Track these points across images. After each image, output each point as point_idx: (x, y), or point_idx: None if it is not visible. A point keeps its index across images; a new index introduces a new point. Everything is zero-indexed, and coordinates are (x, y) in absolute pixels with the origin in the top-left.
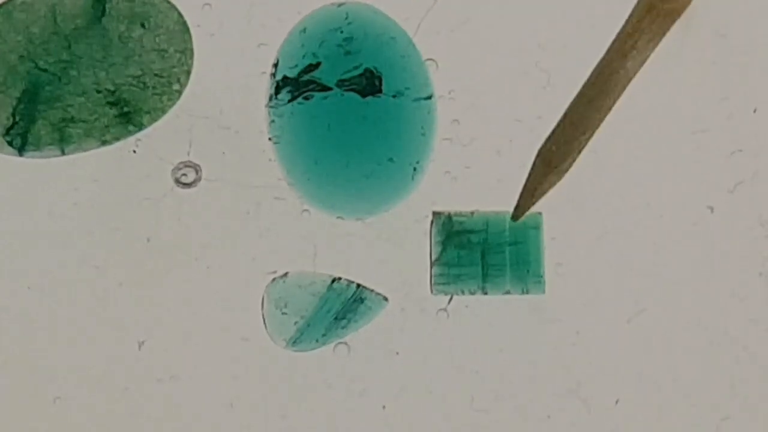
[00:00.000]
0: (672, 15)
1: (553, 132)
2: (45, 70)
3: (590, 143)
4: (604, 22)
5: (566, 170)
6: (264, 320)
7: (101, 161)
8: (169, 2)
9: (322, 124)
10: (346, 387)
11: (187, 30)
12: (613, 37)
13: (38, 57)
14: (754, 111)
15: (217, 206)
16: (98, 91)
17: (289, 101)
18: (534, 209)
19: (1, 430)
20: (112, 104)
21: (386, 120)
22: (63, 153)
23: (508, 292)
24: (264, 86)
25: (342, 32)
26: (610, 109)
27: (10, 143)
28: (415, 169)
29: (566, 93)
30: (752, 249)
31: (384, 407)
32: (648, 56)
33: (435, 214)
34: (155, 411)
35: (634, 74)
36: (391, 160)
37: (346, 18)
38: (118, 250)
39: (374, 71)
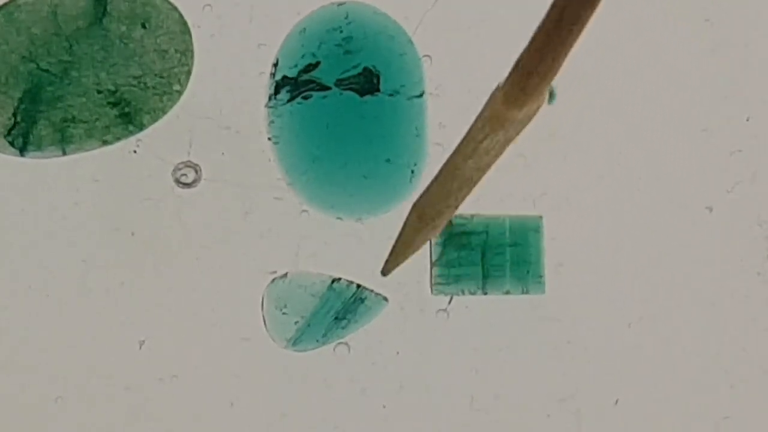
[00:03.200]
0: (518, 124)
1: (428, 188)
2: (46, 71)
3: (590, 143)
4: (604, 22)
5: (441, 226)
6: (264, 320)
7: (102, 161)
8: (169, 3)
9: (321, 124)
10: (346, 387)
11: (187, 30)
12: (612, 38)
13: (39, 57)
14: (747, 120)
15: (217, 206)
16: (99, 92)
17: (289, 101)
18: (534, 210)
19: (2, 429)
20: (112, 104)
21: (383, 119)
22: (64, 153)
23: (508, 293)
24: (264, 86)
25: (341, 32)
26: (477, 180)
27: (11, 144)
28: (412, 171)
29: (567, 93)
30: (751, 249)
31: (384, 407)
32: (498, 154)
33: None
34: (155, 410)
35: (495, 159)
36: (388, 161)
37: (346, 17)
38: (119, 250)
39: (372, 70)
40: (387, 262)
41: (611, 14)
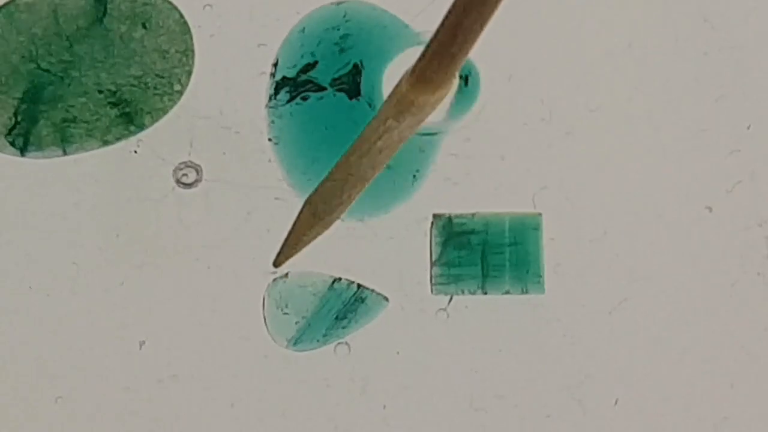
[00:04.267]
0: (421, 112)
1: (322, 184)
2: (47, 71)
3: (589, 143)
4: (604, 22)
5: (333, 222)
6: (265, 320)
7: (102, 161)
8: (170, 3)
9: (319, 124)
10: (347, 387)
11: (187, 30)
12: (611, 38)
13: (40, 57)
14: (747, 119)
15: (218, 206)
16: (100, 92)
17: (288, 101)
18: (534, 210)
19: (3, 430)
20: (113, 104)
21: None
22: (64, 153)
23: (507, 293)
24: (264, 86)
25: (339, 30)
26: (371, 177)
27: (12, 143)
28: (414, 176)
29: (567, 93)
30: (751, 249)
31: (384, 407)
32: (402, 140)
33: (435, 216)
34: (155, 411)
35: (388, 158)
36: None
37: (344, 16)
38: (119, 250)
39: (359, 65)
40: (278, 254)
41: (611, 14)
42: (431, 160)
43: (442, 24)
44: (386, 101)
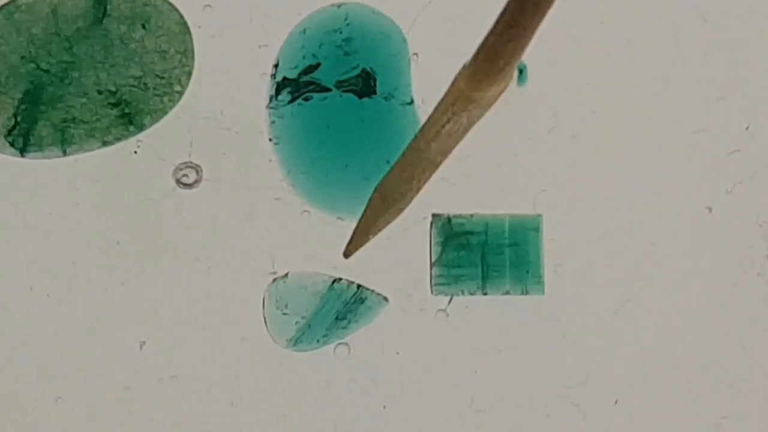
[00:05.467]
0: (483, 105)
1: (392, 170)
2: (46, 71)
3: (589, 143)
4: (604, 22)
5: (403, 209)
6: (265, 320)
7: (102, 162)
8: (169, 3)
9: (322, 125)
10: (347, 387)
11: (187, 31)
12: (611, 38)
13: (40, 58)
14: (747, 119)
15: (218, 207)
16: (99, 92)
17: (289, 102)
18: (534, 210)
19: (2, 429)
20: (113, 105)
21: (383, 121)
22: (64, 154)
23: (507, 293)
24: (264, 87)
25: (341, 33)
26: (440, 162)
27: (11, 144)
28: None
29: (567, 94)
30: (751, 249)
31: (384, 407)
32: (470, 126)
33: (434, 216)
34: (156, 411)
35: (457, 142)
36: (388, 162)
37: (346, 19)
38: (120, 251)
39: (370, 72)
40: (349, 243)
41: (611, 14)
42: None
43: (498, 21)
44: (444, 97)
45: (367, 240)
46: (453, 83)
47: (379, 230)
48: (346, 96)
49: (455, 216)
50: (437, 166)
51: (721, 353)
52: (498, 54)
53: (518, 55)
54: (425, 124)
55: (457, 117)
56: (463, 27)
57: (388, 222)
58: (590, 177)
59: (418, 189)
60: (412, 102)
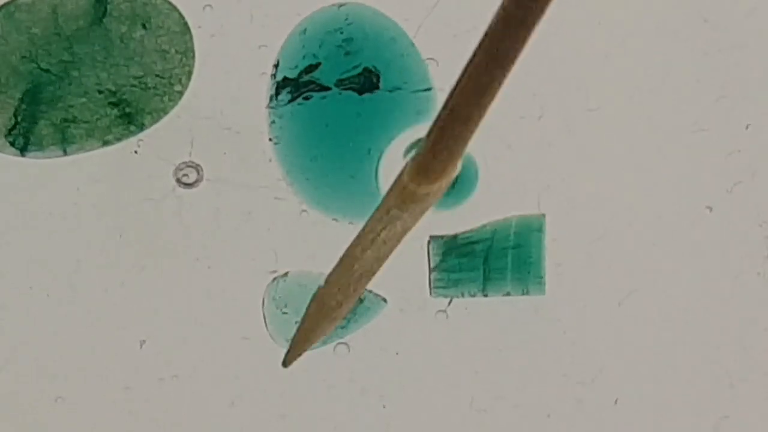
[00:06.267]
0: (425, 202)
1: (328, 279)
2: (47, 71)
3: (590, 143)
4: (604, 22)
5: (342, 317)
6: (264, 320)
7: (103, 162)
8: (170, 3)
9: (321, 124)
10: (346, 387)
11: (188, 31)
12: (611, 38)
13: (40, 58)
14: (747, 119)
15: (218, 206)
16: (100, 92)
17: (289, 102)
18: (536, 210)
19: (2, 429)
20: (113, 105)
21: (383, 120)
22: (65, 153)
23: (508, 294)
24: (264, 87)
25: (342, 33)
26: (376, 270)
27: (12, 144)
28: None
29: (567, 94)
30: (751, 249)
31: (384, 407)
32: (406, 231)
33: (432, 237)
34: (156, 410)
35: (392, 250)
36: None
37: (346, 19)
38: (120, 250)
39: (373, 70)
40: (287, 353)
41: (610, 14)
42: None
43: (439, 117)
44: (388, 191)
45: (305, 349)
46: (398, 178)
47: (318, 338)
48: (345, 94)
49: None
50: (374, 273)
51: (721, 353)
52: (441, 149)
53: (461, 149)
54: (360, 232)
55: (397, 218)
56: (469, 27)
57: (327, 331)
58: (590, 177)
59: (356, 296)
60: (430, 89)
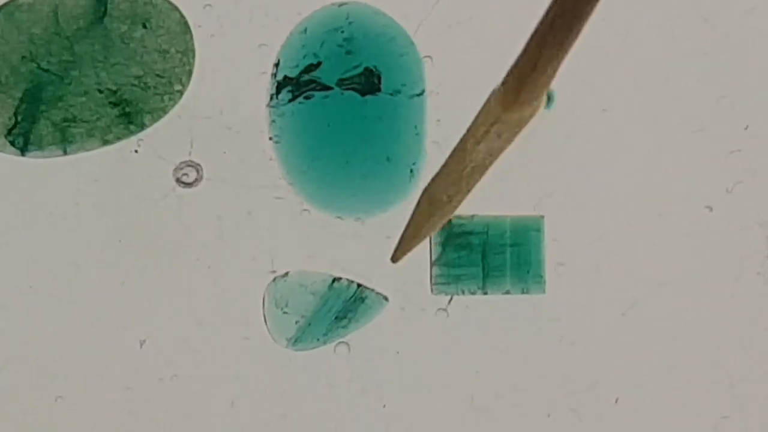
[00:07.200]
0: (518, 125)
1: (439, 172)
2: (47, 71)
3: (590, 143)
4: (604, 22)
5: (452, 212)
6: (265, 320)
7: (103, 161)
8: (170, 3)
9: (322, 123)
10: (347, 386)
11: (188, 30)
12: (611, 38)
13: (40, 57)
14: (747, 119)
15: (218, 206)
16: (100, 91)
17: (290, 101)
18: (535, 211)
19: (2, 429)
20: (113, 104)
21: (384, 119)
22: (65, 153)
23: (508, 293)
24: (265, 86)
25: (343, 32)
26: (489, 164)
27: (12, 143)
28: (411, 171)
29: (567, 94)
30: (751, 249)
31: (384, 406)
32: (511, 139)
33: None
34: (156, 410)
35: (508, 142)
36: (388, 160)
37: (347, 18)
38: (120, 250)
39: (374, 70)
40: (397, 248)
41: (610, 15)
42: (426, 155)
43: (527, 46)
44: (477, 116)
45: (415, 245)
46: (485, 104)
47: (427, 235)
48: (347, 94)
49: (456, 217)
50: (486, 168)
51: (721, 353)
52: (528, 78)
53: (549, 78)
54: (471, 124)
55: (491, 136)
56: (468, 25)
57: (436, 226)
58: (591, 177)
59: (467, 191)
60: (421, 93)
